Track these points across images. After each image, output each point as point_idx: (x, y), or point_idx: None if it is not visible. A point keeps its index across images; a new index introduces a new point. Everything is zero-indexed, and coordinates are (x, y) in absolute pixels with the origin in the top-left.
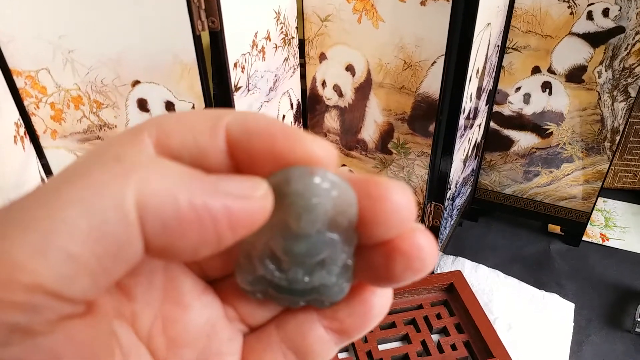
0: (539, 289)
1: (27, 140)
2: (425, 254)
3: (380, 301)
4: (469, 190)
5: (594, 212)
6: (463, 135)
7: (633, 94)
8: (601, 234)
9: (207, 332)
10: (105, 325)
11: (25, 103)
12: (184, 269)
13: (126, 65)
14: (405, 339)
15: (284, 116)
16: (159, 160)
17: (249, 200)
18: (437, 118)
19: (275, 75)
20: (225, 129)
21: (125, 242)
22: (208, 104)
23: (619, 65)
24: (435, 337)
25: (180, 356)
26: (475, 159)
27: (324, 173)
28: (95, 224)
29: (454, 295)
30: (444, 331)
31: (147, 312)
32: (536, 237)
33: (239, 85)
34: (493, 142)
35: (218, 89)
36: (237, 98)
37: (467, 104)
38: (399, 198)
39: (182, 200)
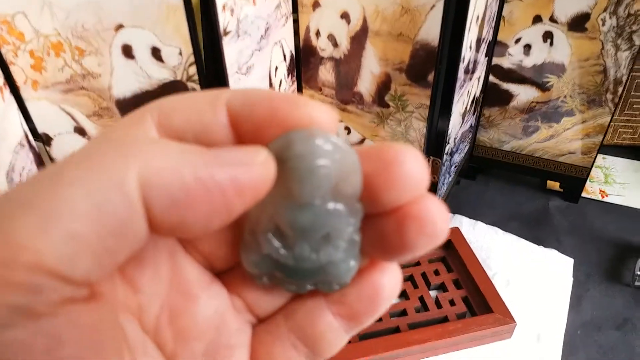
0: (538, 245)
1: (6, 92)
2: (438, 217)
3: (390, 282)
4: (467, 147)
5: (594, 169)
6: (462, 87)
7: (638, 42)
8: (600, 190)
9: (215, 323)
10: (111, 314)
11: (3, 51)
12: (190, 259)
13: (108, 7)
14: (403, 295)
15: (276, 67)
16: (159, 140)
17: (251, 167)
18: (436, 67)
19: (267, 22)
20: (226, 104)
21: (128, 221)
22: (196, 49)
23: (624, 11)
24: (433, 293)
25: (188, 349)
26: (473, 114)
27: (326, 135)
28: (96, 203)
29: (451, 252)
30: (442, 287)
31: (154, 305)
32: (535, 194)
33: (228, 30)
34: (492, 97)
35: (206, 33)
36: (226, 43)
37: (467, 52)
38: (413, 161)
39: (187, 174)
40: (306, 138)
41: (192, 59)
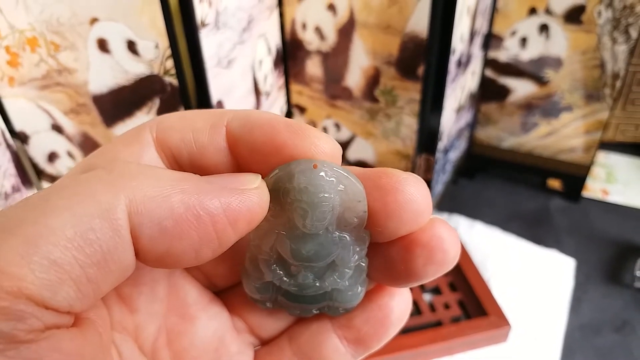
0: (538, 245)
1: None
2: (448, 244)
3: (399, 305)
4: (464, 145)
5: (595, 167)
6: (455, 80)
7: (634, 35)
8: (602, 189)
9: (214, 345)
10: (98, 338)
11: None
12: (189, 278)
13: (83, 0)
14: None
15: (260, 61)
16: (148, 167)
17: (246, 194)
18: (426, 60)
19: (250, 15)
20: (226, 126)
21: (113, 250)
22: (172, 42)
23: (620, 3)
24: (427, 297)
25: None
26: (470, 110)
27: (329, 165)
28: (81, 232)
29: None
30: (436, 290)
31: (151, 325)
32: (535, 194)
33: (206, 22)
34: (489, 92)
35: (183, 25)
36: (204, 36)
37: (459, 45)
38: (412, 189)
39: (177, 202)
40: (309, 170)
41: (169, 52)
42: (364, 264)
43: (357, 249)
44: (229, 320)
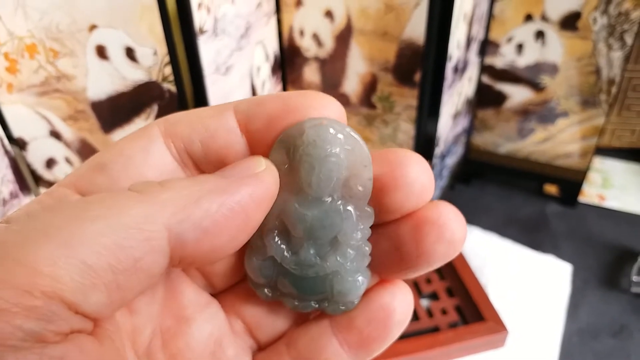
0: (535, 250)
1: None
2: (455, 223)
3: (401, 305)
4: (460, 150)
5: (592, 173)
6: (451, 87)
7: (629, 41)
8: (598, 194)
9: (211, 349)
10: (114, 346)
11: None
12: (186, 279)
13: (82, 7)
14: None
15: (258, 68)
16: (167, 181)
17: (259, 177)
18: (422, 66)
19: (247, 22)
20: (234, 109)
21: (145, 259)
22: (171, 49)
23: (615, 10)
24: (425, 302)
25: None
26: (466, 116)
27: (338, 124)
28: (116, 240)
29: None
30: (434, 296)
31: (147, 327)
32: (532, 199)
33: (204, 29)
34: (485, 98)
35: (182, 32)
36: (203, 42)
37: (455, 51)
38: (419, 164)
39: (208, 202)
40: (319, 126)
41: (167, 59)
42: (367, 249)
43: (361, 227)
44: (226, 323)
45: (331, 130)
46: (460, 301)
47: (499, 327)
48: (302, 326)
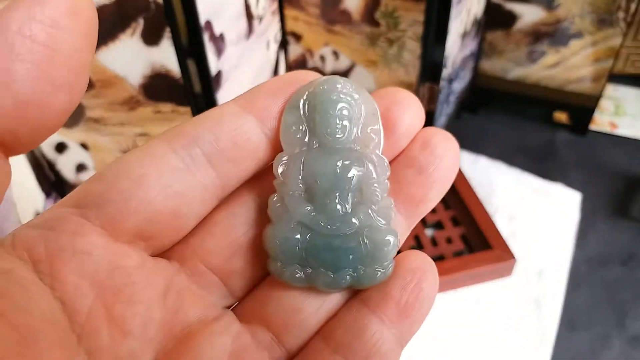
0: (543, 179)
1: None
2: (440, 135)
3: (430, 267)
4: (468, 76)
5: (603, 100)
6: (460, 1)
7: None
8: (610, 122)
9: None
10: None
11: None
12: (191, 295)
13: None
14: None
15: None
16: None
17: None
18: None
19: None
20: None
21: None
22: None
23: None
24: (429, 232)
25: None
26: (474, 38)
27: (346, 79)
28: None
29: (450, 189)
30: (438, 225)
31: (146, 352)
32: (541, 127)
33: None
34: (494, 19)
35: None
36: None
37: None
38: (410, 107)
39: None
40: (329, 78)
41: None
42: (389, 204)
43: (382, 177)
44: (245, 335)
45: (341, 81)
46: (466, 230)
47: (506, 255)
48: (335, 317)
